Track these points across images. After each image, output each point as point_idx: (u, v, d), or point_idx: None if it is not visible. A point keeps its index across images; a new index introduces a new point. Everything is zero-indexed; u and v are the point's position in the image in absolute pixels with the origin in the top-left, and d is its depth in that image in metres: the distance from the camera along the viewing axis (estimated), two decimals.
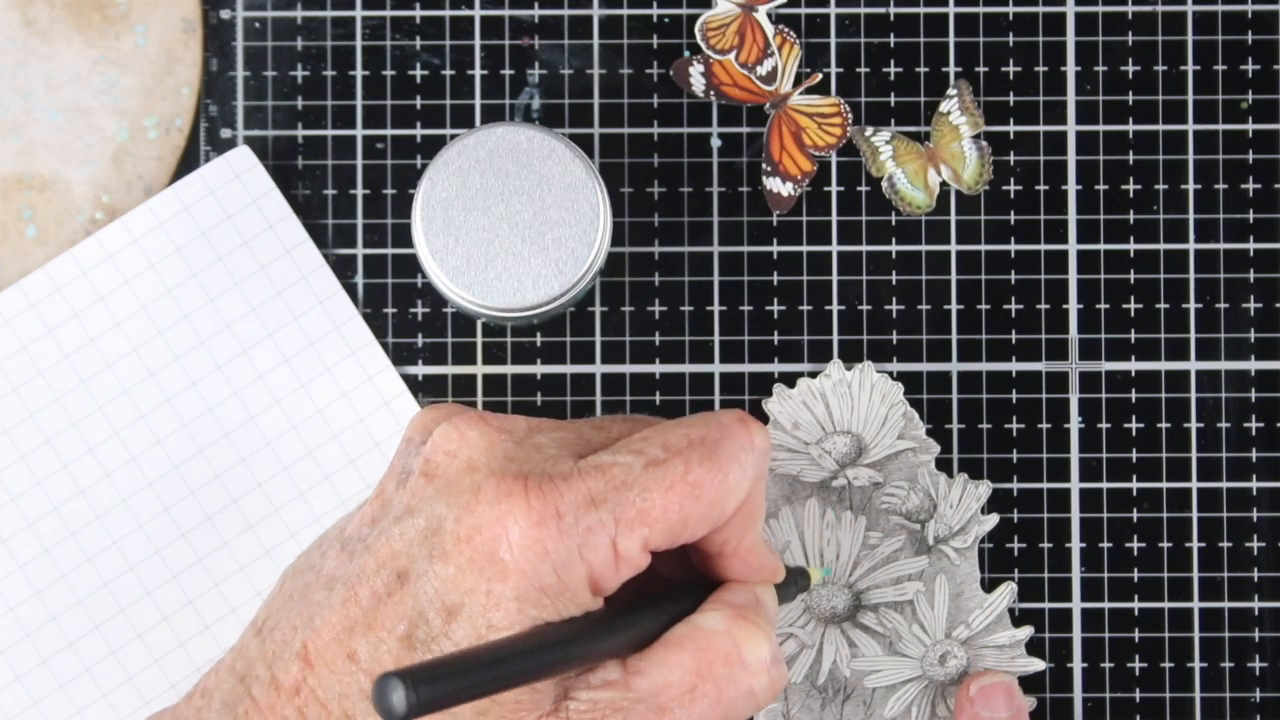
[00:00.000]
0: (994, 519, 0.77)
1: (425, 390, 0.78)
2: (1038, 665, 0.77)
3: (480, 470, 0.61)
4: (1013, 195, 0.78)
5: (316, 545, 0.65)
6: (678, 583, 0.66)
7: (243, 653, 0.64)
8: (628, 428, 0.65)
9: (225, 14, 0.78)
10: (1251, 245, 0.78)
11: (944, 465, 0.78)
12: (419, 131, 0.78)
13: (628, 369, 0.78)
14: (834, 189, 0.78)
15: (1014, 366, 0.78)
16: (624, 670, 0.62)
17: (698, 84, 0.78)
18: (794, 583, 0.70)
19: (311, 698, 0.61)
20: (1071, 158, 0.78)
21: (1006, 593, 0.77)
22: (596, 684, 0.61)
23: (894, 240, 0.78)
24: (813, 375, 0.77)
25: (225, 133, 0.78)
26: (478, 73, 0.78)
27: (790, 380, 0.78)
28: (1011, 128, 0.78)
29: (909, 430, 0.77)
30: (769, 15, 0.78)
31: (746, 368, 0.78)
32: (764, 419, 0.77)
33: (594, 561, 0.60)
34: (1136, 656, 0.78)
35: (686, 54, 0.78)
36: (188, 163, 0.78)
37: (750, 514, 0.64)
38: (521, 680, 0.57)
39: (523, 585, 0.59)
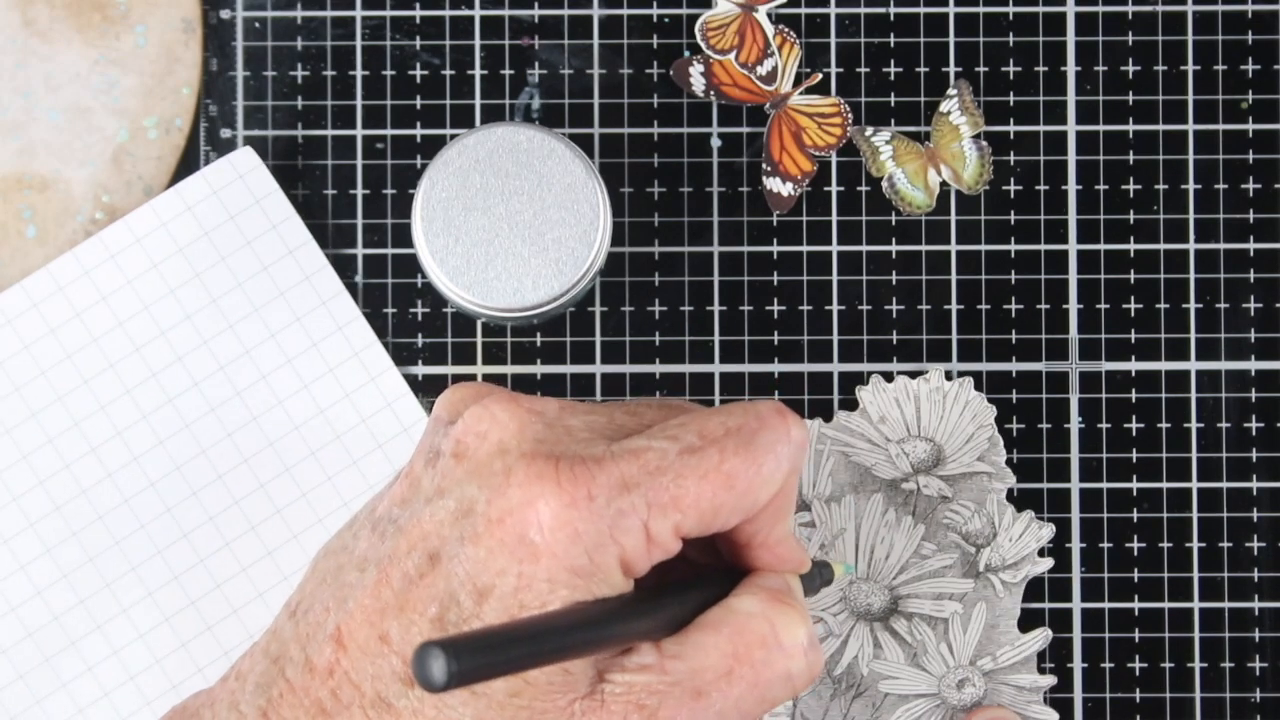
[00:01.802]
0: (1049, 563, 0.77)
1: (425, 390, 0.78)
2: (1052, 716, 0.77)
3: (511, 452, 0.61)
4: (1013, 195, 0.78)
5: (348, 526, 0.65)
6: (709, 567, 0.66)
7: (277, 635, 0.64)
8: (661, 414, 0.64)
9: (225, 14, 0.79)
10: (1251, 245, 0.78)
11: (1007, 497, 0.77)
12: (419, 131, 0.78)
13: (628, 369, 0.78)
14: (834, 189, 0.78)
15: (1014, 366, 0.78)
16: (659, 654, 0.62)
17: (698, 84, 0.78)
18: (818, 575, 0.70)
19: (345, 679, 0.61)
20: (1071, 158, 0.78)
21: (1040, 637, 0.77)
22: (632, 667, 0.61)
23: (894, 240, 0.78)
24: (913, 376, 0.77)
25: (225, 133, 0.78)
26: (478, 73, 0.78)
27: (793, 381, 0.78)
28: (1011, 128, 0.78)
29: (990, 455, 0.77)
30: (769, 15, 0.78)
31: (746, 368, 0.78)
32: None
33: (626, 543, 0.60)
34: (1136, 656, 0.78)
35: (686, 54, 0.78)
36: (188, 163, 0.78)
37: (782, 506, 0.64)
38: (558, 657, 0.57)
39: (554, 567, 0.59)
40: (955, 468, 0.77)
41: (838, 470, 0.77)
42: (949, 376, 0.78)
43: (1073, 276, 0.78)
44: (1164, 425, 0.78)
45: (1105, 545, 0.78)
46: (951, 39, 0.78)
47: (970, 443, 0.77)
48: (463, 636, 0.53)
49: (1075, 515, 0.78)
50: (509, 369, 0.78)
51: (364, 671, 0.60)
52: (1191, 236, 0.78)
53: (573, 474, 0.60)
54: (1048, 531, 0.77)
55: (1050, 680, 0.77)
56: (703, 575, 0.65)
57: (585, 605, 0.59)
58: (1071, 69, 0.78)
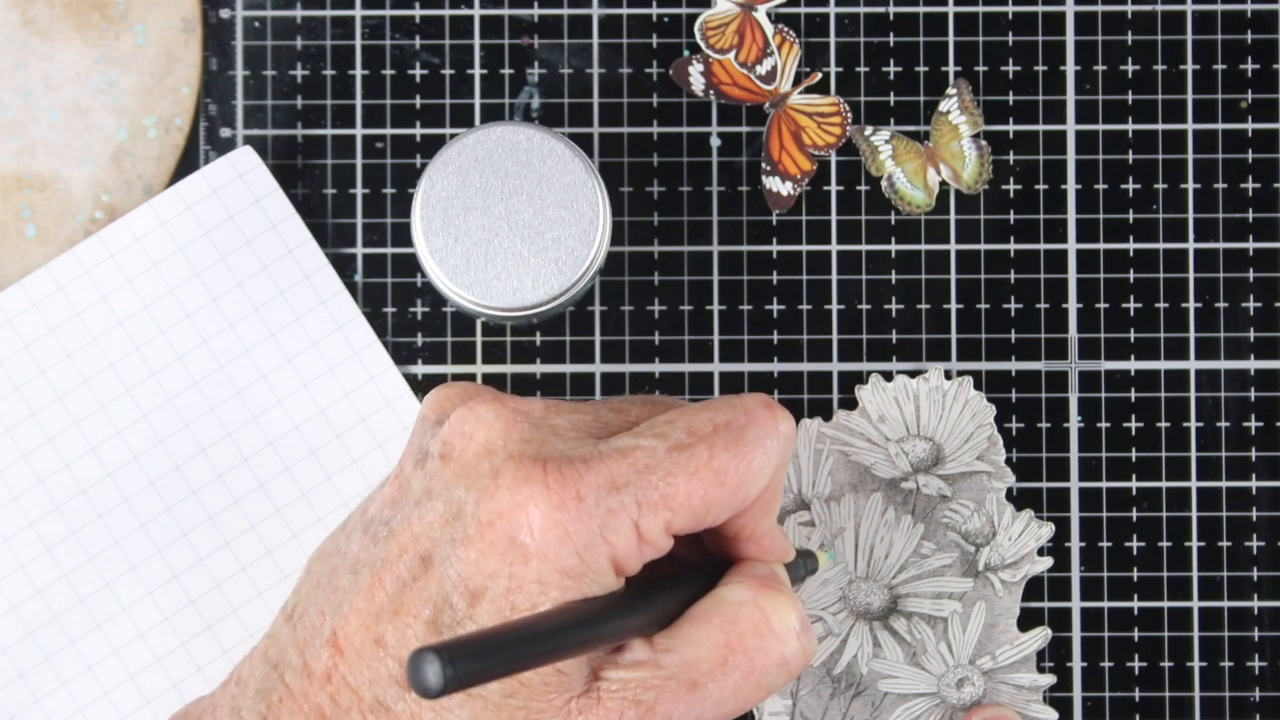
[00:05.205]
0: (1048, 562, 0.77)
1: (425, 390, 0.78)
2: (1051, 715, 0.77)
3: (498, 453, 0.61)
4: (1012, 195, 0.78)
5: (341, 528, 0.65)
6: (696, 561, 0.66)
7: (275, 640, 0.64)
8: (646, 411, 0.64)
9: (225, 13, 0.79)
10: (1251, 244, 0.78)
11: (1007, 496, 0.77)
12: (418, 131, 0.78)
13: (627, 368, 0.78)
14: (833, 188, 0.78)
15: (1013, 366, 0.78)
16: (652, 648, 0.62)
17: (697, 83, 0.78)
18: (803, 564, 0.70)
19: (343, 684, 0.61)
20: (1071, 157, 0.78)
21: (1039, 636, 0.77)
22: (626, 663, 0.61)
23: (893, 240, 0.78)
24: (913, 375, 0.77)
25: (225, 132, 0.78)
26: (477, 72, 0.78)
27: (792, 380, 0.78)
28: (1011, 127, 0.78)
29: (989, 454, 0.77)
30: (768, 14, 0.78)
31: (746, 367, 0.78)
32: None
33: (616, 543, 0.60)
34: (1136, 656, 0.78)
35: (686, 53, 0.78)
36: (187, 162, 0.78)
37: (770, 500, 0.64)
38: (552, 657, 0.57)
39: (544, 568, 0.59)
40: (955, 467, 0.77)
41: (837, 469, 0.77)
42: (948, 376, 0.78)
43: (1072, 276, 0.78)
44: (1163, 424, 0.78)
45: (1104, 544, 0.78)
46: (951, 38, 0.78)
47: (970, 442, 0.77)
48: (456, 641, 0.53)
49: (1074, 514, 0.78)
50: (509, 369, 0.78)
51: (361, 676, 0.60)
52: (1190, 235, 0.78)
53: (561, 475, 0.60)
54: (1047, 530, 0.77)
55: (1049, 679, 0.77)
56: (689, 569, 0.65)
57: (577, 605, 0.60)
58: (1071, 68, 0.78)
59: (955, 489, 0.77)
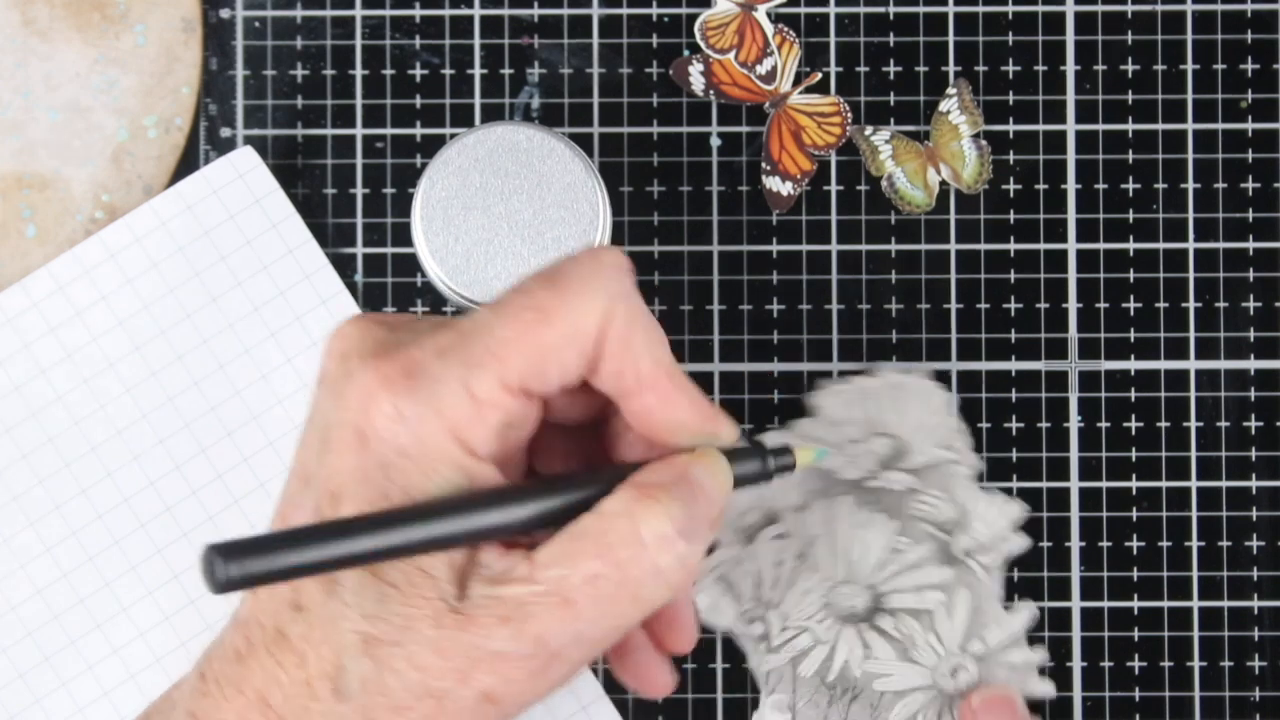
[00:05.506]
0: (1024, 540, 0.77)
1: None
2: (1048, 689, 0.77)
3: (352, 358, 0.60)
4: (1012, 194, 0.78)
5: None
6: (598, 466, 0.64)
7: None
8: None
9: (225, 13, 0.79)
10: (1251, 244, 0.78)
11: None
12: (419, 131, 0.78)
13: None
14: (833, 188, 0.78)
15: (1013, 365, 0.78)
16: (530, 563, 0.60)
17: (697, 83, 0.78)
18: (764, 459, 0.64)
19: (253, 621, 0.60)
20: (1071, 157, 0.78)
21: (1024, 613, 0.77)
22: (497, 578, 0.59)
23: (893, 239, 0.78)
24: (863, 375, 0.77)
25: (225, 132, 0.78)
26: (477, 72, 0.78)
27: (792, 380, 0.78)
28: (1011, 127, 0.78)
29: (952, 442, 0.77)
30: (768, 14, 0.78)
31: (746, 367, 0.78)
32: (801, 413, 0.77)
33: (449, 413, 0.59)
34: (1136, 655, 0.78)
35: (686, 53, 0.78)
36: (187, 162, 0.78)
37: (628, 332, 0.61)
38: (368, 559, 0.56)
39: (383, 451, 0.58)
40: (919, 459, 0.77)
41: (803, 478, 0.77)
42: (940, 376, 0.78)
43: (1072, 275, 0.78)
44: (1163, 424, 0.78)
45: (1104, 544, 0.78)
46: (951, 38, 0.78)
47: (930, 433, 0.77)
48: (252, 539, 0.54)
49: (1074, 514, 0.78)
50: None
51: (266, 609, 0.60)
52: (1190, 235, 0.78)
53: (392, 359, 0.59)
54: (1017, 508, 0.77)
55: (1041, 654, 0.77)
56: (584, 474, 0.62)
57: (432, 500, 0.58)
58: (1071, 68, 0.78)
59: (923, 481, 0.77)
